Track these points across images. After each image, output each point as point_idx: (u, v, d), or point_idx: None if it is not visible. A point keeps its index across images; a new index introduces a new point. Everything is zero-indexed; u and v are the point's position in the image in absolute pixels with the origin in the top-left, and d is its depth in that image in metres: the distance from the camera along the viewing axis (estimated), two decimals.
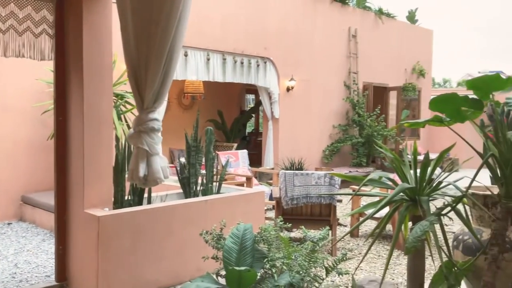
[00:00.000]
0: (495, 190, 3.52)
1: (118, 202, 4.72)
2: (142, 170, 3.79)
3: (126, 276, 4.32)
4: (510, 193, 2.94)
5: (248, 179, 7.74)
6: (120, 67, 6.93)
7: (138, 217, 4.45)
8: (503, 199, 2.97)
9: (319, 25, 11.87)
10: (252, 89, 12.91)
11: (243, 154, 9.26)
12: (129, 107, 7.23)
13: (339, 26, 12.47)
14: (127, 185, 4.74)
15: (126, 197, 4.81)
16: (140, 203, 4.88)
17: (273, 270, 3.28)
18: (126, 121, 6.93)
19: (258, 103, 13.74)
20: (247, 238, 3.43)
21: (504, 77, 2.78)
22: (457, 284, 3.11)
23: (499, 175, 3.00)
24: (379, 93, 13.70)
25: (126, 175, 4.25)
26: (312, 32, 11.72)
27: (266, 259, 3.33)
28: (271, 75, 10.77)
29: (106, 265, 4.18)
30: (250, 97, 17.01)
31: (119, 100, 7.00)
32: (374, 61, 13.45)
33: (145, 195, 4.98)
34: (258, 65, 10.43)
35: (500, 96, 3.05)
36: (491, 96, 2.97)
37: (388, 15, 13.93)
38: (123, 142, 4.86)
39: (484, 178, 3.50)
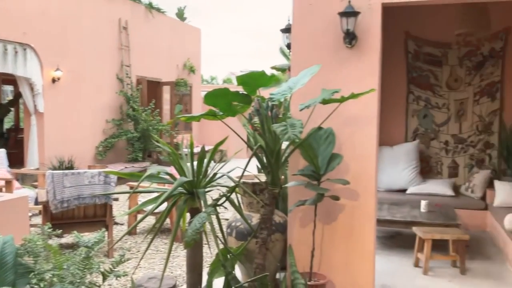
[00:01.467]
0: (263, 178, 3.86)
1: None
2: None
3: None
4: (275, 180, 3.24)
5: (8, 183, 6.73)
6: None
7: None
8: (270, 186, 3.26)
9: (87, 13, 11.12)
10: (10, 79, 11.29)
11: (0, 154, 8.04)
12: None
13: (109, 16, 11.94)
14: None
15: None
16: None
17: (41, 285, 2.88)
18: None
19: (18, 95, 12.11)
20: (7, 253, 2.92)
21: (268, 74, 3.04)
22: (232, 269, 3.29)
23: (266, 164, 3.28)
24: (153, 87, 13.71)
25: None
26: (80, 20, 10.90)
27: (32, 273, 2.90)
28: (33, 64, 9.59)
29: None
30: (8, 88, 14.89)
31: None
32: (147, 55, 13.36)
33: None
34: (16, 52, 9.16)
35: (265, 92, 3.34)
36: (258, 92, 3.21)
37: (158, 10, 14.02)
38: None
39: (250, 166, 3.76)
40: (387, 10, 3.70)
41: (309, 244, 3.64)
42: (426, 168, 6.85)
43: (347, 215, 3.70)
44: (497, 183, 6.02)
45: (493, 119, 6.63)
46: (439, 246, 4.79)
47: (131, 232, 6.37)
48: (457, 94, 6.75)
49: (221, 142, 3.47)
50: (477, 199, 6.28)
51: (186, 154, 3.43)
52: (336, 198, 3.52)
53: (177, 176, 3.33)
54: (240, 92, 3.10)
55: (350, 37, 3.56)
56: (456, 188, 6.55)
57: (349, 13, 3.49)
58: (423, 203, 5.42)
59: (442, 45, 6.73)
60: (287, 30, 4.47)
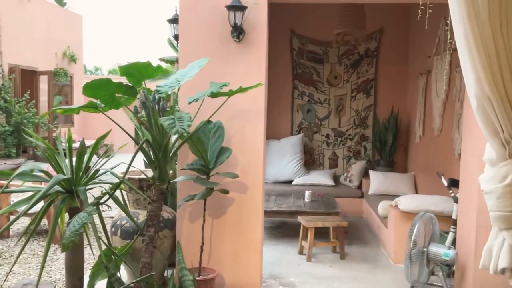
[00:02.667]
0: (149, 173, 3.73)
1: None
2: None
3: None
4: (163, 175, 3.14)
5: None
6: None
7: None
8: (157, 181, 3.15)
9: None
10: None
11: None
12: None
13: None
14: None
15: None
16: None
17: None
18: None
19: None
20: None
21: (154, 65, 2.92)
22: (116, 270, 3.12)
23: (153, 159, 3.16)
24: (29, 77, 12.54)
25: None
26: None
27: None
28: None
29: None
30: None
31: None
32: (21, 42, 12.17)
33: None
34: None
35: (152, 84, 3.21)
36: (143, 83, 3.07)
37: None
38: None
39: (137, 162, 3.62)
40: (273, 7, 3.78)
41: (198, 239, 3.61)
42: (309, 160, 7.21)
43: (236, 208, 3.73)
44: (371, 173, 6.54)
45: (368, 113, 7.18)
46: (321, 234, 5.07)
47: (3, 235, 5.77)
48: (337, 90, 7.19)
49: (104, 136, 3.26)
50: (354, 188, 6.77)
51: (64, 150, 3.17)
52: (226, 191, 3.52)
53: (55, 173, 3.07)
54: (124, 84, 2.94)
55: (238, 31, 3.58)
56: (336, 178, 6.99)
57: (237, 7, 3.50)
58: (307, 193, 5.68)
59: (323, 43, 7.11)
60: (174, 20, 4.36)
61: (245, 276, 3.78)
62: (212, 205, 3.67)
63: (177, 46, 5.15)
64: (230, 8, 3.50)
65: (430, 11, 3.42)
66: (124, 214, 3.56)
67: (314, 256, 4.89)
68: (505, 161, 1.61)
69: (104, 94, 2.89)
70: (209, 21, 3.66)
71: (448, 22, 3.46)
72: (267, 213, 5.04)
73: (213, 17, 3.65)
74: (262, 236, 3.84)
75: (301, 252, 4.99)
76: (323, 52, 7.13)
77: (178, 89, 3.26)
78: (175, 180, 3.62)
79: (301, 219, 4.97)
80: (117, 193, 3.16)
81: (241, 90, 3.15)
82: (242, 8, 3.51)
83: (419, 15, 3.45)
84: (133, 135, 3.36)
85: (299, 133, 7.21)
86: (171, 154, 3.23)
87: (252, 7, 3.58)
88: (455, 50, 3.82)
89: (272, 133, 6.80)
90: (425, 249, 3.90)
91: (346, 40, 6.10)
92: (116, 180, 3.15)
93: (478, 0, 1.52)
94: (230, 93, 3.17)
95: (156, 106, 3.12)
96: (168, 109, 3.21)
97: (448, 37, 3.52)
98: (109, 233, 3.62)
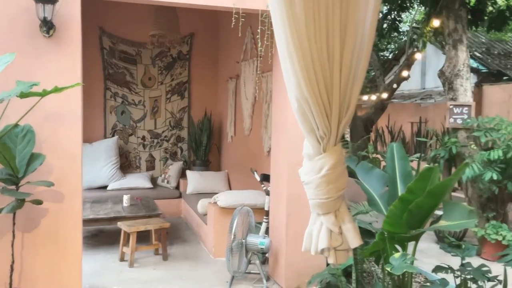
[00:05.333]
0: None
1: None
2: None
3: None
4: None
5: None
6: None
7: None
8: None
9: None
10: None
11: None
12: None
13: None
14: None
15: None
16: None
17: None
18: None
19: None
20: None
21: None
22: None
23: None
24: None
25: None
26: None
27: None
28: None
29: None
30: None
31: None
32: None
33: None
34: None
35: None
36: None
37: None
38: None
39: None
40: (82, 2, 3.55)
41: (7, 257, 3.19)
42: (125, 163, 7.01)
43: (51, 220, 3.41)
44: (188, 173, 6.70)
45: (183, 115, 7.33)
46: (142, 237, 4.99)
47: None
48: (152, 92, 7.15)
49: None
50: (173, 188, 6.84)
51: None
52: (39, 202, 3.19)
53: None
54: None
55: (48, 26, 3.28)
56: (153, 180, 6.95)
57: (46, 0, 3.20)
58: (125, 197, 5.52)
59: (136, 44, 6.98)
60: None
61: None
62: (22, 218, 3.28)
63: None
64: (38, 0, 3.18)
65: (243, 20, 3.70)
66: None
67: (137, 261, 4.79)
68: (320, 155, 1.87)
69: None
70: (12, 12, 3.25)
71: (259, 30, 3.80)
72: (84, 221, 4.69)
73: (17, 9, 3.26)
74: (82, 247, 3.60)
75: (122, 259, 4.82)
76: (136, 52, 7.00)
77: None
78: None
79: (121, 225, 4.80)
80: None
81: (57, 90, 2.89)
82: (52, 1, 3.22)
83: (233, 23, 3.70)
84: None
85: (113, 135, 6.93)
86: None
87: (63, 1, 3.32)
88: (261, 56, 4.21)
89: (84, 137, 6.37)
90: (243, 240, 4.20)
91: (161, 42, 6.12)
92: None
93: (296, 9, 1.71)
94: (44, 93, 2.88)
95: None
96: None
97: (259, 45, 3.87)
98: None
